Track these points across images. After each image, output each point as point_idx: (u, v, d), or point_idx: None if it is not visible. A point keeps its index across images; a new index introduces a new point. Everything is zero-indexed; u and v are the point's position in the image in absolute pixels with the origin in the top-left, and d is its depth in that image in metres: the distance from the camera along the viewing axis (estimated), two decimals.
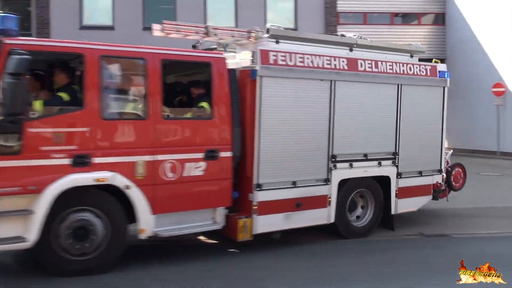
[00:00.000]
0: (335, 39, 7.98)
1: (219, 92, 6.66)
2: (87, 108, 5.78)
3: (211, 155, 6.57)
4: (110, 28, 18.79)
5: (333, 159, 7.57)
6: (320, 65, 7.36)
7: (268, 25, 7.16)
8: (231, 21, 19.78)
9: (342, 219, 7.83)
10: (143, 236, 6.13)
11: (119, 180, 5.88)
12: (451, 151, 9.97)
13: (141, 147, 6.10)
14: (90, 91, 5.79)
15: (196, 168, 6.50)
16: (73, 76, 6.33)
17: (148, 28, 15.98)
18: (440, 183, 8.96)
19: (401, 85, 8.26)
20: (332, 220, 7.65)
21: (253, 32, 7.10)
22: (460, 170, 9.65)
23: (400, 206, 8.46)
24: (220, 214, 6.76)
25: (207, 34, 6.90)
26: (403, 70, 8.31)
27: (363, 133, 7.91)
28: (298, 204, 7.26)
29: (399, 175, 8.37)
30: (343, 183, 7.76)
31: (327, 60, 7.43)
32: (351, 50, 7.95)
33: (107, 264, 5.98)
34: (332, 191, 7.59)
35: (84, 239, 5.81)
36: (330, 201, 7.58)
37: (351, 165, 7.79)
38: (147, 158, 6.11)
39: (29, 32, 17.35)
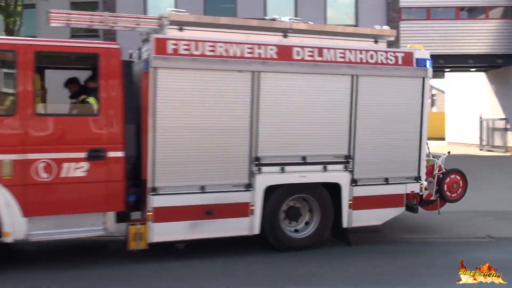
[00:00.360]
0: (261, 24, 6.88)
1: (108, 86, 6.06)
2: None
3: (95, 155, 6.01)
4: None
5: (257, 162, 6.59)
6: (239, 54, 6.40)
7: (167, 10, 6.37)
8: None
9: (274, 230, 6.83)
10: (8, 239, 5.77)
11: None
12: (445, 154, 8.30)
13: (7, 145, 5.73)
14: None
15: (77, 169, 5.97)
16: None
17: None
18: (416, 193, 7.48)
19: (357, 76, 6.96)
20: (256, 231, 6.68)
21: (158, 19, 6.37)
22: (458, 177, 8.01)
23: (357, 218, 7.17)
24: (110, 219, 6.19)
25: (103, 22, 6.30)
26: (361, 59, 6.99)
27: (301, 132, 6.79)
28: (209, 212, 6.42)
29: (354, 182, 7.10)
30: (272, 190, 6.75)
31: (248, 48, 6.45)
32: (285, 36, 6.84)
33: None
34: (256, 198, 6.62)
35: None
36: (253, 210, 6.62)
37: (282, 169, 6.73)
38: (15, 157, 5.73)
39: (96, 33, 18.07)
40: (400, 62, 7.21)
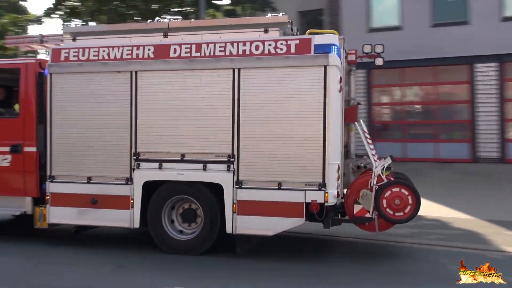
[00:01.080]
0: (142, 27, 7.12)
1: (25, 93, 7.47)
2: None
3: (15, 149, 7.45)
4: (397, 28, 18.91)
5: (136, 158, 6.87)
6: (118, 57, 6.93)
7: (62, 25, 7.39)
8: None
9: (156, 228, 6.89)
10: None
11: None
12: (386, 158, 6.52)
13: None
14: None
15: (3, 160, 7.53)
16: None
17: (437, 25, 17.42)
18: (319, 203, 6.26)
19: (239, 69, 6.50)
20: (136, 225, 6.89)
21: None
22: (404, 191, 6.30)
23: (243, 225, 6.50)
24: (28, 202, 7.48)
25: (40, 42, 7.78)
26: (244, 51, 6.51)
27: (179, 129, 6.74)
28: (93, 201, 7.03)
29: (239, 184, 6.51)
30: (154, 186, 6.86)
31: (127, 50, 6.91)
32: (165, 35, 6.94)
33: None
34: (135, 192, 6.87)
35: None
36: (133, 203, 6.88)
37: (160, 166, 6.79)
38: None
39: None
40: (292, 50, 6.36)
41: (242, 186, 6.50)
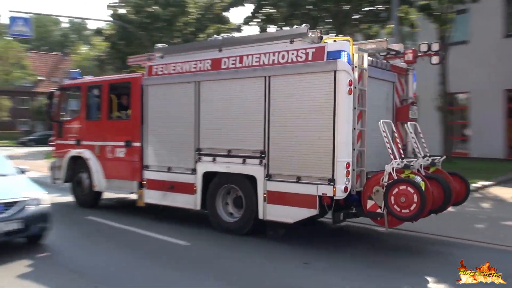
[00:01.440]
0: (203, 44, 8.43)
1: (133, 100, 9.63)
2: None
3: (127, 144, 9.68)
4: None
5: (198, 152, 8.37)
6: (187, 70, 8.53)
7: (156, 46, 9.22)
8: None
9: (212, 210, 8.29)
10: (96, 189, 10.27)
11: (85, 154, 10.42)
12: (397, 160, 6.59)
13: (96, 137, 10.29)
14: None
15: (120, 152, 9.83)
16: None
17: None
18: (329, 197, 6.85)
19: (269, 77, 7.49)
20: (198, 207, 8.42)
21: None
22: (410, 189, 6.49)
23: (271, 212, 7.48)
24: (135, 186, 9.62)
25: (148, 59, 9.85)
26: (273, 60, 7.47)
27: (227, 129, 8.02)
28: (171, 187, 8.78)
29: (268, 176, 7.49)
30: (211, 176, 8.27)
31: (193, 64, 8.47)
32: (220, 50, 8.20)
33: None
34: (197, 181, 8.39)
35: None
36: (196, 190, 8.41)
37: (214, 159, 8.15)
38: (100, 143, 10.22)
39: None
40: (310, 58, 7.09)
41: (271, 179, 7.48)
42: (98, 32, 32.27)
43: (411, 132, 7.65)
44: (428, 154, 7.55)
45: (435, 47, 7.93)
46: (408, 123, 7.77)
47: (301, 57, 7.19)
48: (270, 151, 7.51)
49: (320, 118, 6.98)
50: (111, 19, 28.39)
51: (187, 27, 27.54)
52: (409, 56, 8.03)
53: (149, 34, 24.93)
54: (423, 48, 7.98)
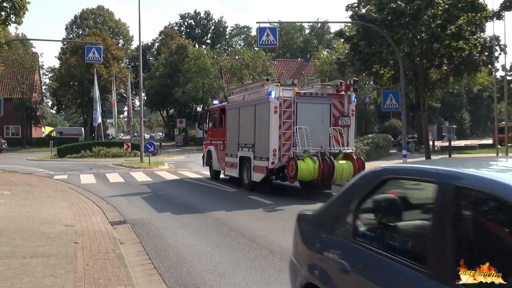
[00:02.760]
0: (241, 87, 15.31)
1: (224, 118, 17.26)
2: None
3: (223, 142, 17.38)
4: None
5: (239, 145, 15.48)
6: (237, 101, 15.74)
7: (231, 87, 16.51)
8: None
9: (242, 176, 15.29)
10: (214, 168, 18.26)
11: (211, 148, 18.58)
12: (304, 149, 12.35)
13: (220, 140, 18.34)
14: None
15: (218, 147, 17.61)
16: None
17: None
18: (269, 168, 13.19)
19: (255, 105, 14.15)
20: (238, 176, 15.45)
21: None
22: (294, 163, 12.40)
23: (254, 176, 14.10)
24: (223, 165, 17.22)
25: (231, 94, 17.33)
26: (257, 96, 14.13)
27: (243, 133, 14.92)
28: (232, 165, 16.09)
29: (255, 157, 14.14)
30: (242, 158, 15.30)
31: (238, 98, 15.65)
32: (246, 89, 15.16)
33: None
34: (238, 161, 15.52)
35: None
36: (237, 165, 15.53)
37: (241, 149, 15.16)
38: (216, 142, 18.19)
39: None
40: (264, 94, 13.51)
41: (255, 158, 14.09)
42: (340, 34, 31.27)
43: (333, 134, 13.17)
44: (341, 147, 12.99)
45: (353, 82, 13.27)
46: (336, 127, 13.28)
47: (263, 93, 13.68)
48: (255, 143, 14.15)
49: (266, 126, 13.36)
50: (350, 20, 27.01)
51: (435, 20, 24.00)
52: (343, 88, 13.50)
53: (393, 31, 23.64)
54: (349, 82, 13.39)
